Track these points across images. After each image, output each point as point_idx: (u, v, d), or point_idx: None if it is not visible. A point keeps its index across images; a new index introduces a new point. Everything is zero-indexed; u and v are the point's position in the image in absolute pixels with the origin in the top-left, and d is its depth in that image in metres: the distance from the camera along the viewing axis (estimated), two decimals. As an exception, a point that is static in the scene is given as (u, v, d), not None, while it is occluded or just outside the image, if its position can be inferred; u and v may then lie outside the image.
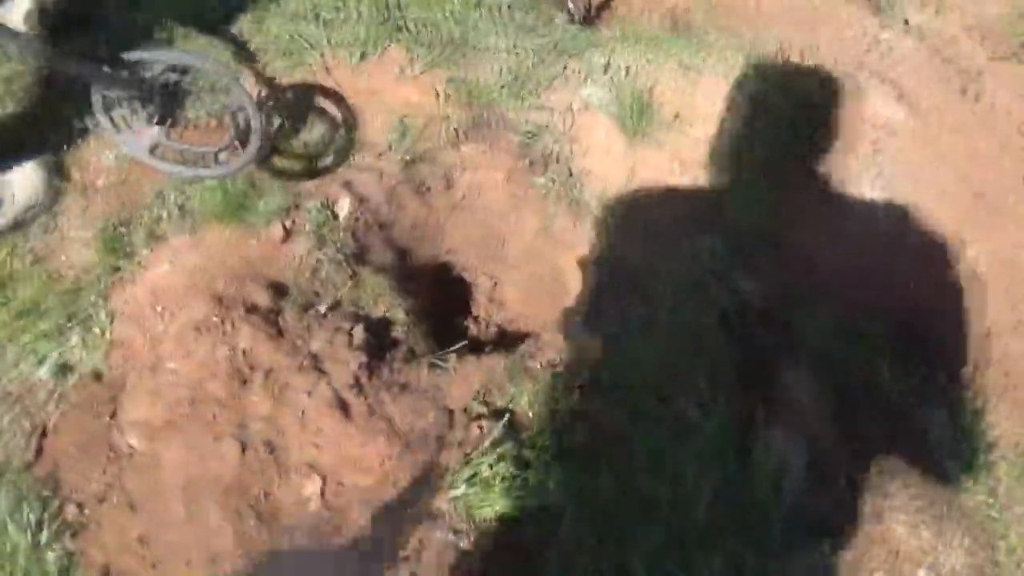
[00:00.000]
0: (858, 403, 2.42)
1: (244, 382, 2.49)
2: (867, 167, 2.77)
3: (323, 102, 3.01)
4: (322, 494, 2.42)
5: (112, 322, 2.65)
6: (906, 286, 2.59)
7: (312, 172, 2.93)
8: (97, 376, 2.77)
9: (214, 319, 2.57)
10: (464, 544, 2.20)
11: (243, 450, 2.47)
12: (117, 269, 2.72)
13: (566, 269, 3.06)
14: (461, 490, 2.29)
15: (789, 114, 2.80)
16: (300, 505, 2.42)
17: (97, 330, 2.64)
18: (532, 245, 3.17)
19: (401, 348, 2.68)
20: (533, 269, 3.16)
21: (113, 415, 2.69)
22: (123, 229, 2.79)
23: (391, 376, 2.51)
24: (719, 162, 2.80)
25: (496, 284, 3.34)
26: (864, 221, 2.68)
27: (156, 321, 2.60)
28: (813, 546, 2.16)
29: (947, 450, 2.39)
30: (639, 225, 2.72)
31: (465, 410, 2.40)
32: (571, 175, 2.90)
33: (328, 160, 2.96)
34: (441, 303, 3.33)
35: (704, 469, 2.24)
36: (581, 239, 2.95)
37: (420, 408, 2.43)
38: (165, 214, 2.81)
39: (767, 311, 2.48)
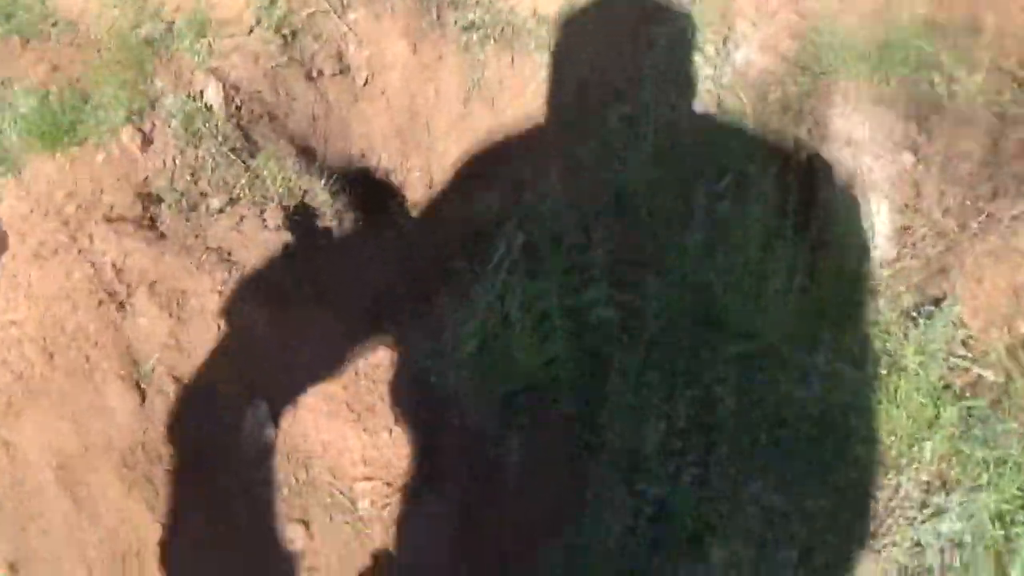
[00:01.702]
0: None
1: (121, 305, 1.71)
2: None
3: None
4: (274, 421, 1.66)
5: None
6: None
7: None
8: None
9: (61, 238, 1.79)
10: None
11: (141, 396, 1.68)
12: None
13: (512, 124, 2.48)
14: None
15: None
16: (242, 446, 1.65)
17: None
18: (464, 114, 2.57)
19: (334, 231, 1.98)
20: (471, 141, 2.55)
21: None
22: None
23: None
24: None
25: (431, 179, 2.70)
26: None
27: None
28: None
29: None
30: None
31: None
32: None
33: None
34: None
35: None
36: (527, 76, 2.39)
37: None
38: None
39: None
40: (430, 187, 2.74)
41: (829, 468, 1.73)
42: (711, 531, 1.74)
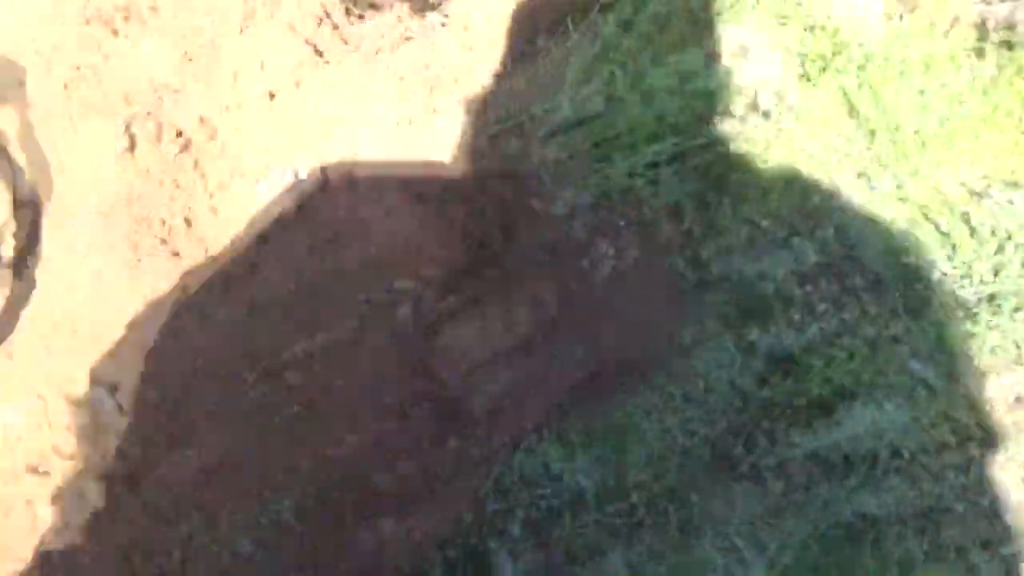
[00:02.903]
0: None
1: (115, 31, 1.31)
2: None
3: None
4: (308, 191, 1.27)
5: None
6: None
7: None
8: None
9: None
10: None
11: (131, 142, 1.28)
12: None
13: None
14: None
15: None
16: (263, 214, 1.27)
17: None
18: None
19: None
20: None
21: None
22: None
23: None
24: None
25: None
26: None
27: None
28: None
29: None
30: None
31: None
32: None
33: None
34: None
35: None
36: None
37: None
38: None
39: None
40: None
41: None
42: (843, 396, 1.33)
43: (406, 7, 1.38)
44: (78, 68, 1.33)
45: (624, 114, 1.31)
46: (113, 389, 1.26)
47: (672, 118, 1.37)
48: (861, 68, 1.56)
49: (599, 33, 1.30)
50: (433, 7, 1.36)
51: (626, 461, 1.30)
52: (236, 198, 1.35)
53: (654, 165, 1.40)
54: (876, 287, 1.39)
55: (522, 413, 1.26)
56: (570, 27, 1.33)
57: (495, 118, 1.25)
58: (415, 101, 1.34)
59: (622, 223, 1.31)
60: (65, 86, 1.33)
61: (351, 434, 1.25)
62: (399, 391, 1.27)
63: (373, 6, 1.36)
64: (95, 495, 1.22)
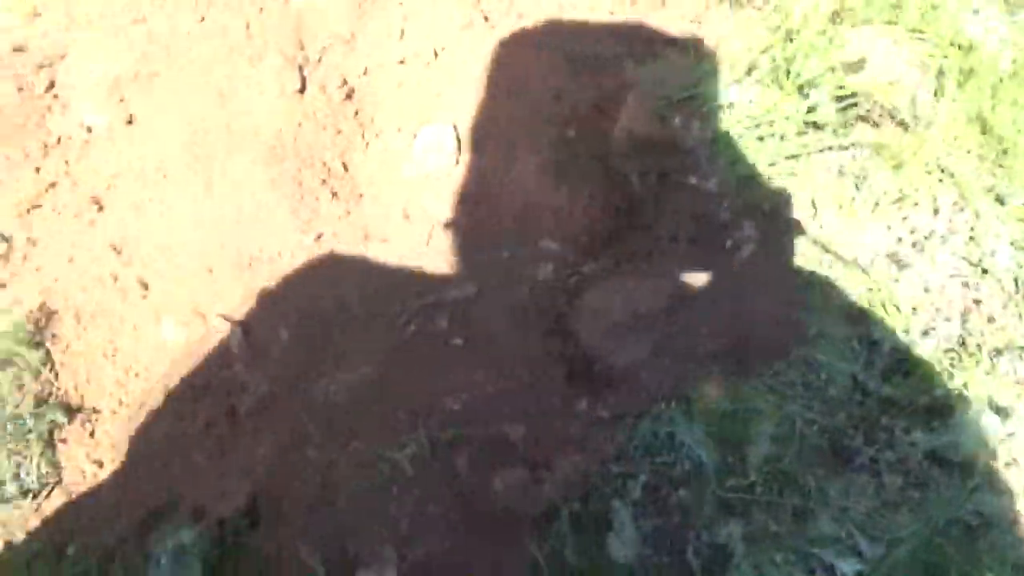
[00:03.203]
0: None
1: (296, -20, 1.38)
2: None
3: None
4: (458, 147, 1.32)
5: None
6: None
7: None
8: (18, 49, 1.60)
9: None
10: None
11: (302, 84, 1.34)
12: None
13: None
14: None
15: None
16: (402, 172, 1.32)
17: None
18: None
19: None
20: None
21: (51, 87, 1.51)
22: None
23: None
24: None
25: None
26: None
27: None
28: None
29: None
30: None
31: None
32: None
33: None
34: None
35: None
36: None
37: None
38: None
39: None
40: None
41: None
42: (965, 401, 1.36)
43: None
44: (261, 10, 1.40)
45: (777, 104, 1.35)
46: (261, 319, 1.31)
47: (821, 116, 1.40)
48: (995, 88, 1.59)
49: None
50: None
51: (747, 440, 1.33)
52: (392, 149, 1.40)
53: (795, 156, 1.44)
54: (1004, 300, 1.41)
55: (654, 381, 1.29)
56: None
57: (662, 92, 1.30)
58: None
59: (766, 207, 1.35)
60: (247, 24, 1.39)
61: (488, 383, 1.29)
62: (535, 348, 1.31)
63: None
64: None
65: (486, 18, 1.42)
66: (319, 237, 1.31)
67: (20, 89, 1.52)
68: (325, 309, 1.28)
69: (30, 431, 1.30)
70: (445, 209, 1.33)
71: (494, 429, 1.26)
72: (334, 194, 1.34)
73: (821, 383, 1.40)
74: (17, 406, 1.31)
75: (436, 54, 1.42)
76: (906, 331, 1.42)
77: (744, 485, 1.31)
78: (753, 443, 1.31)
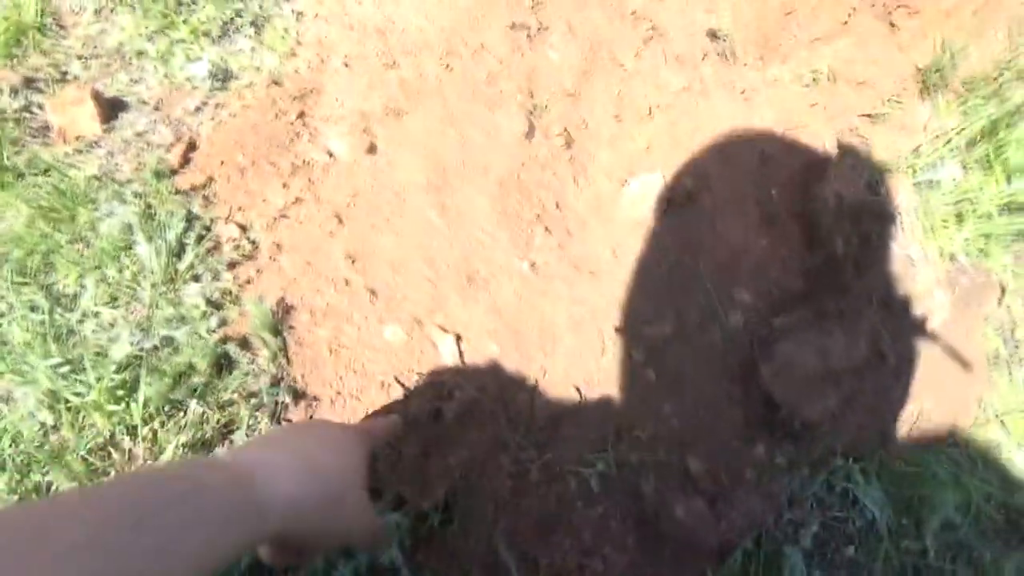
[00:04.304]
0: None
1: (530, 36, 1.56)
2: None
3: None
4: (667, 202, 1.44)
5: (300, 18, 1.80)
6: None
7: None
8: (275, 82, 1.87)
9: (482, -38, 1.67)
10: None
11: (529, 127, 1.52)
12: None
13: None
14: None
15: None
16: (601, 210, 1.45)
17: (278, 27, 1.78)
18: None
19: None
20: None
21: (301, 115, 1.76)
22: None
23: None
24: None
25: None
26: None
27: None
28: None
29: None
30: None
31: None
32: None
33: None
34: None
35: None
36: None
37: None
38: None
39: None
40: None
41: None
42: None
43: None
44: (501, 61, 1.59)
45: (981, 186, 1.41)
46: (474, 333, 1.47)
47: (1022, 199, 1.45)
48: None
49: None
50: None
51: (925, 506, 1.37)
52: (603, 194, 1.55)
53: (989, 235, 1.48)
54: None
55: (837, 436, 1.35)
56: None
57: (872, 161, 1.39)
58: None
59: (963, 281, 1.40)
60: (488, 74, 1.59)
61: (674, 417, 1.39)
62: (719, 390, 1.41)
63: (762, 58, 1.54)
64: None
65: (702, 82, 1.55)
66: (533, 265, 1.47)
67: (276, 116, 1.78)
68: (533, 329, 1.43)
69: (263, 404, 1.50)
70: (650, 252, 1.46)
71: (676, 460, 1.36)
72: (547, 229, 1.50)
73: (1001, 464, 1.42)
74: (256, 376, 1.51)
75: (651, 111, 1.56)
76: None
77: (918, 550, 1.34)
78: (931, 509, 1.34)
